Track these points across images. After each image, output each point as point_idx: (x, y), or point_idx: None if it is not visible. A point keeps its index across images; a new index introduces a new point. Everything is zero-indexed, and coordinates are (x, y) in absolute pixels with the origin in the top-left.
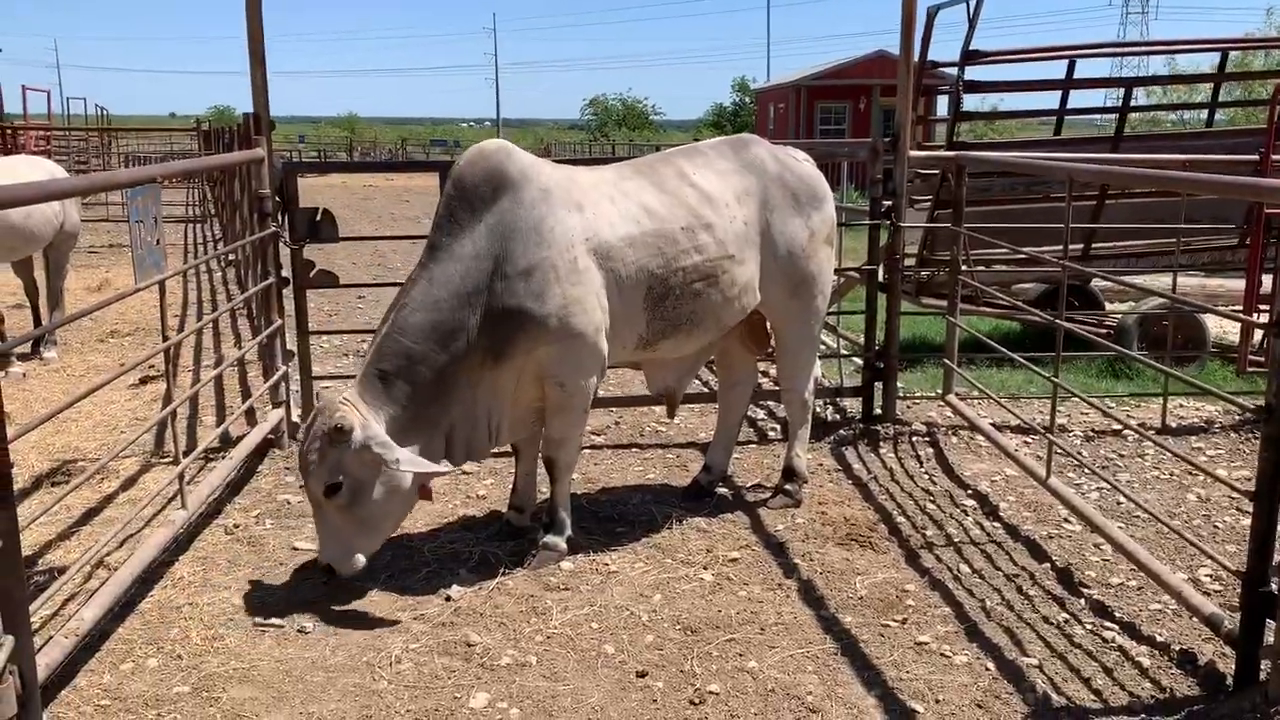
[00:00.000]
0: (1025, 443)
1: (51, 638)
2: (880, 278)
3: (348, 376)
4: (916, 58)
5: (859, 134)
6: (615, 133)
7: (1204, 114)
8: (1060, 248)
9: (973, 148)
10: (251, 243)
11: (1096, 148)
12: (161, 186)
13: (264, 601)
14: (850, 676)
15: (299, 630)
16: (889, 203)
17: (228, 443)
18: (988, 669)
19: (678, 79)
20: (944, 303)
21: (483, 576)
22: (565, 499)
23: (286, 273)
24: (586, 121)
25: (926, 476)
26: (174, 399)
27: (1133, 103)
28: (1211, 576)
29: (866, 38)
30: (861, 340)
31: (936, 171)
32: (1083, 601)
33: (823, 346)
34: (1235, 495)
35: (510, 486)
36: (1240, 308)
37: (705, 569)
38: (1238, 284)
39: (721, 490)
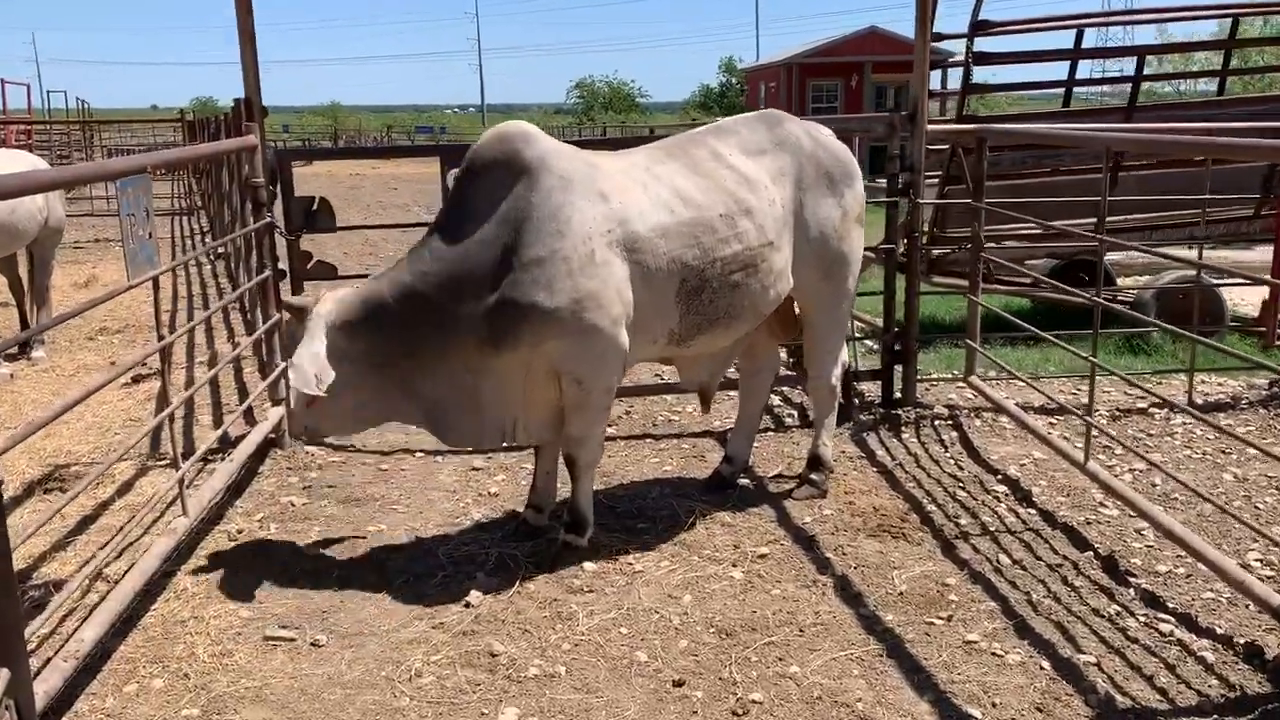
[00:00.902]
0: (1050, 424)
1: (49, 661)
2: (899, 256)
3: None
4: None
5: (852, 111)
6: (602, 115)
7: (1201, 84)
8: (1079, 222)
9: (980, 122)
10: (246, 234)
11: (1108, 119)
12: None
13: (274, 612)
14: (899, 680)
15: (312, 643)
16: (906, 178)
17: (227, 444)
18: (1043, 668)
19: (664, 61)
20: (956, 280)
21: (502, 580)
22: (588, 497)
23: (283, 265)
24: (573, 105)
25: (953, 462)
26: (170, 399)
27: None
28: (1262, 560)
29: (857, 15)
30: (875, 322)
31: (945, 146)
32: (1132, 592)
33: None
34: (1275, 474)
35: (526, 484)
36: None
37: (734, 566)
38: (1246, 255)
39: (743, 481)
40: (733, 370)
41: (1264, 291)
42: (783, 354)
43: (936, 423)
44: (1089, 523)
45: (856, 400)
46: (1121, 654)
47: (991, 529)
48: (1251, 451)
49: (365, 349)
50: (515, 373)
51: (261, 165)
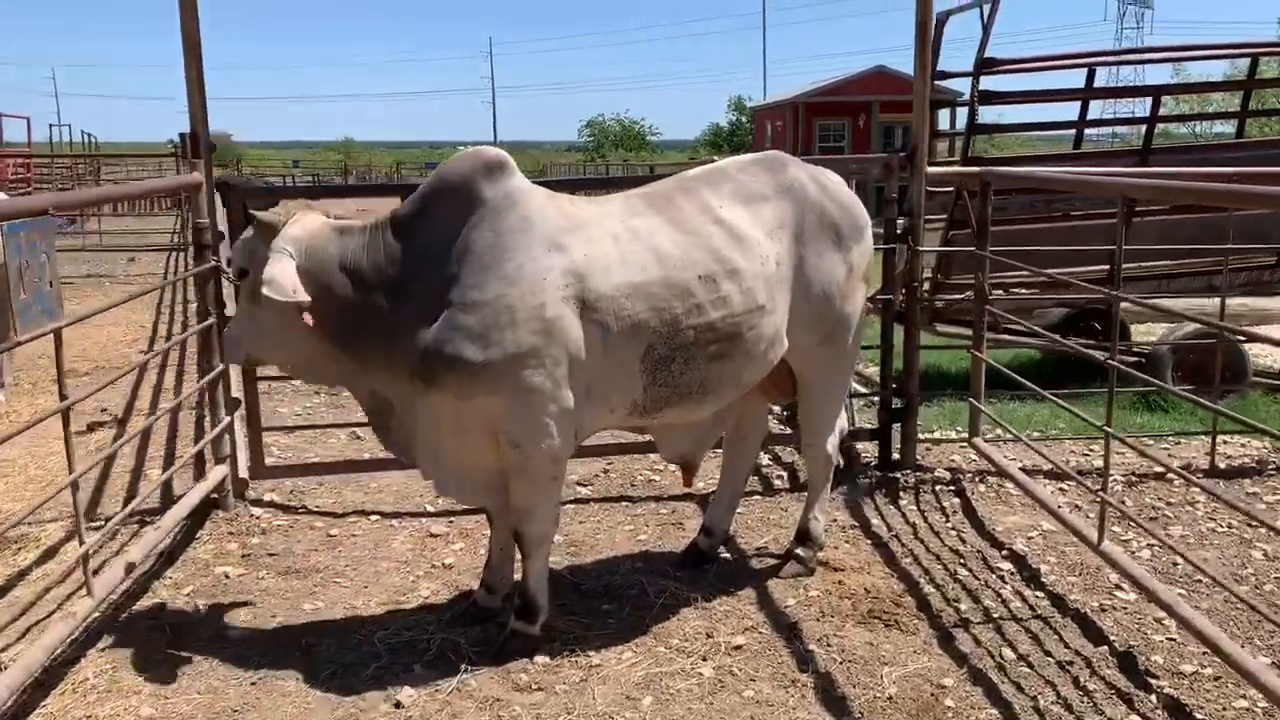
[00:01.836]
0: (1061, 489)
1: None
2: (897, 307)
3: (307, 427)
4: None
5: (858, 151)
6: (612, 153)
7: (1217, 126)
8: (1090, 270)
9: (986, 163)
10: (190, 277)
11: (1122, 161)
12: (77, 218)
13: (179, 711)
14: None
15: None
16: (904, 223)
17: (170, 503)
18: None
19: (674, 99)
20: (961, 330)
21: (441, 674)
22: (540, 577)
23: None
24: (584, 143)
25: (954, 534)
26: (99, 454)
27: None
28: None
29: (864, 55)
30: (872, 375)
31: (950, 189)
32: (1154, 698)
33: None
34: None
35: (485, 556)
36: None
37: (704, 659)
38: (1273, 304)
39: (724, 554)
40: None
41: None
42: (774, 408)
43: (938, 488)
44: (1103, 609)
45: (852, 462)
46: None
47: (995, 615)
48: None
49: (319, 308)
50: (445, 418)
51: (206, 204)
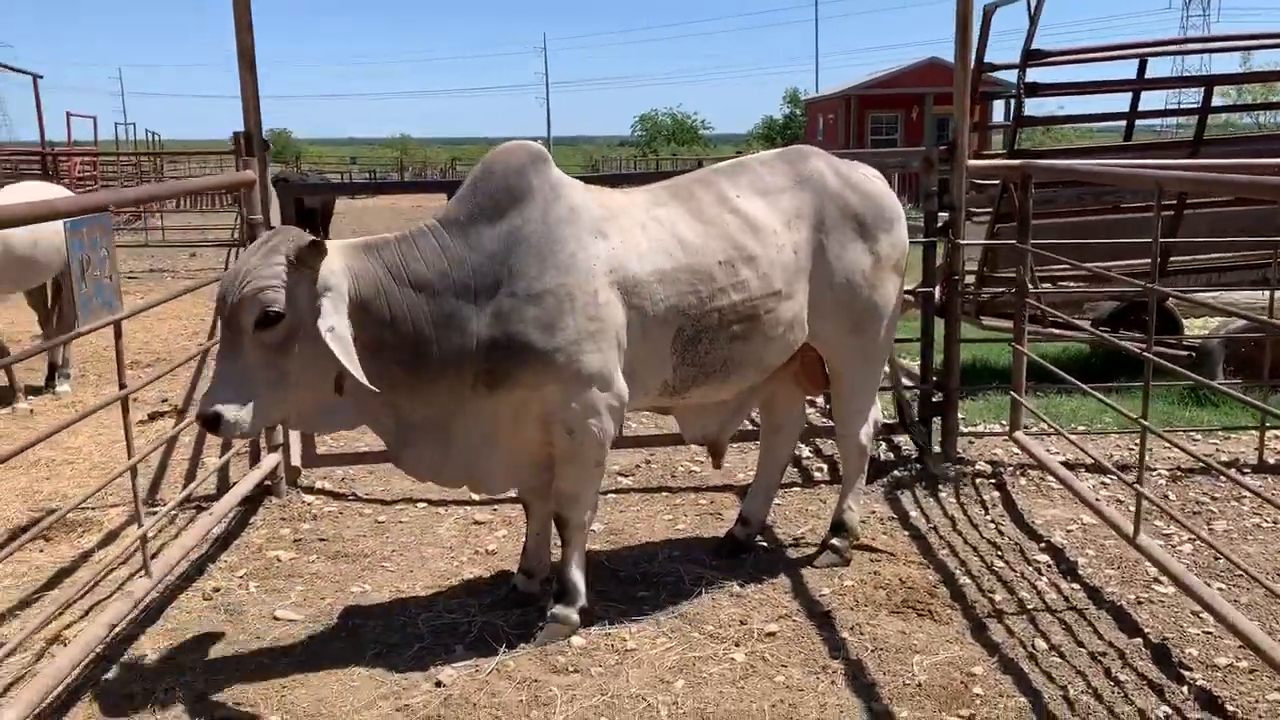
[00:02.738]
0: (1103, 483)
1: None
2: (937, 300)
3: None
4: (974, 59)
5: (911, 144)
6: (664, 148)
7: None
8: (1137, 262)
9: (1034, 156)
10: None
11: (1173, 154)
12: (140, 214)
13: (231, 687)
14: None
15: None
16: (945, 217)
17: (226, 489)
18: None
19: (727, 93)
20: (1007, 323)
21: (481, 654)
22: (578, 563)
23: None
24: (637, 137)
25: (993, 526)
26: (157, 441)
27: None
28: None
29: (916, 47)
30: (913, 368)
31: (996, 182)
32: (1186, 689)
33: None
34: None
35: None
36: None
37: (737, 646)
38: None
39: (760, 543)
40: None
41: None
42: (820, 400)
43: (978, 481)
44: (1140, 602)
45: (892, 454)
46: None
47: (1030, 606)
48: None
49: (368, 343)
50: (501, 416)
51: (260, 202)
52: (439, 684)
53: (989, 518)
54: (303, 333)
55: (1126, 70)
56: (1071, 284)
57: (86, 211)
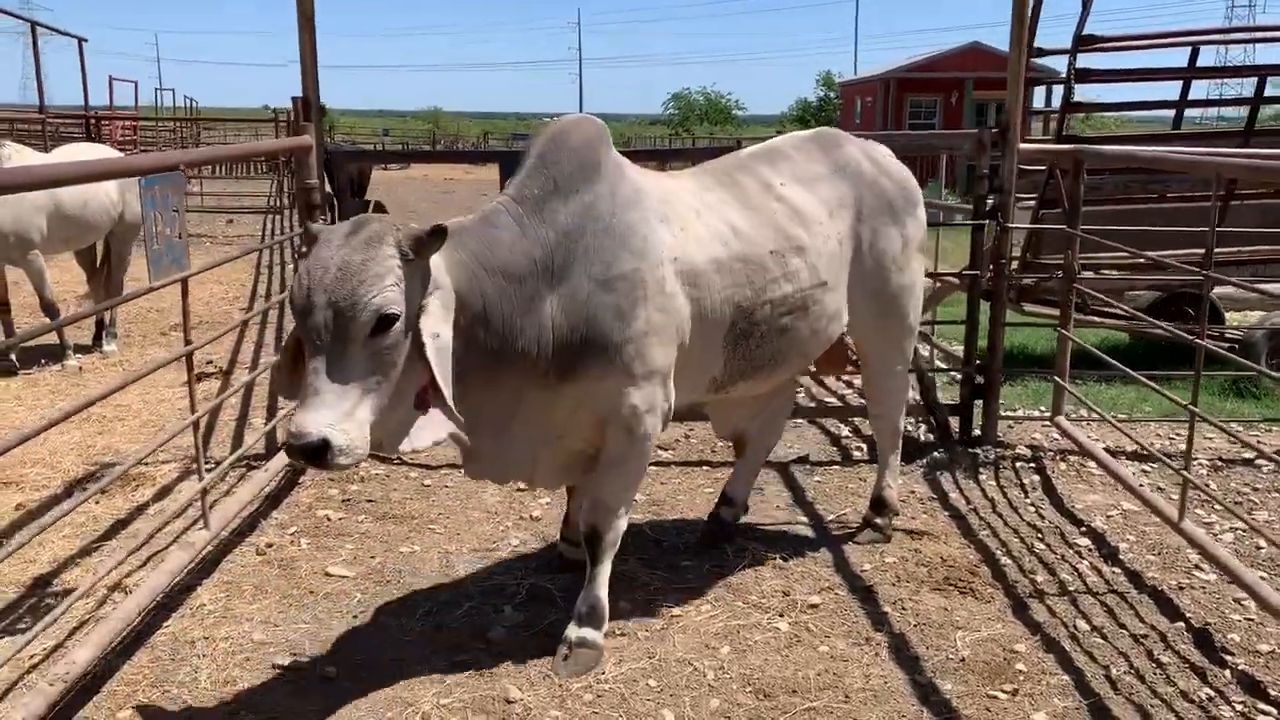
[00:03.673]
0: (1144, 470)
1: (29, 683)
2: (984, 283)
3: None
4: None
5: (950, 129)
6: (697, 127)
7: None
8: (1182, 253)
9: (1079, 142)
10: (293, 238)
11: (1222, 143)
12: (187, 176)
13: (287, 638)
14: None
15: (322, 676)
16: (995, 200)
17: (273, 450)
18: None
19: (762, 74)
20: (1047, 310)
21: (530, 615)
22: (605, 585)
23: None
24: (669, 116)
25: (1033, 509)
26: (213, 400)
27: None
28: None
29: (957, 32)
30: (955, 351)
31: (1041, 168)
32: (1228, 674)
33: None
34: None
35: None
36: None
37: (781, 616)
38: None
39: (802, 519)
40: None
41: None
42: (855, 381)
43: (1018, 464)
44: (1181, 588)
45: (931, 436)
46: None
47: (1071, 588)
48: None
49: (461, 343)
50: (560, 411)
51: (316, 167)
52: (489, 642)
53: (1029, 501)
54: (406, 337)
55: (1172, 59)
56: (1113, 272)
57: (161, 170)
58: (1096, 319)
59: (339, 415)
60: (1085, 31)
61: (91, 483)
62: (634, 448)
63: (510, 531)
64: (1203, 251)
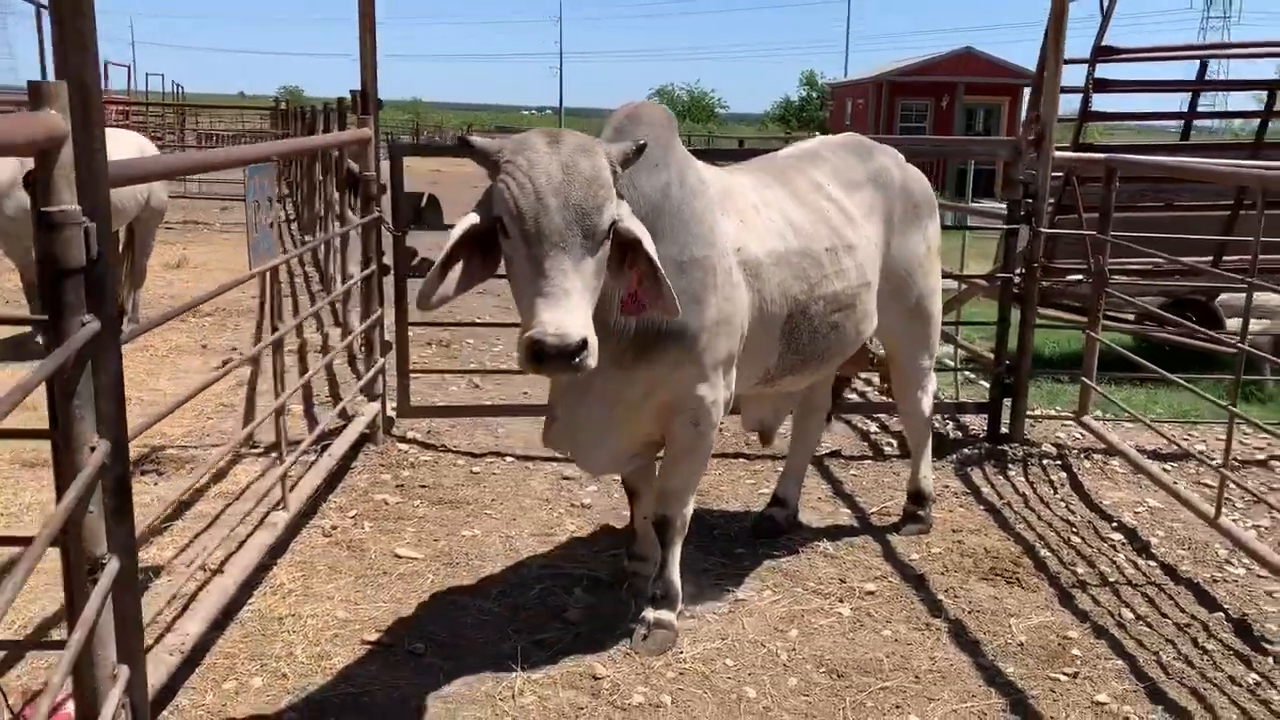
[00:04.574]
0: (1164, 469)
1: (150, 653)
2: (1015, 286)
3: (441, 371)
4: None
5: (940, 133)
6: (681, 124)
7: None
8: (1194, 259)
9: (1096, 150)
10: (354, 228)
11: (1232, 155)
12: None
13: (370, 616)
14: None
15: (410, 652)
16: (1028, 205)
17: (321, 436)
18: None
19: (745, 72)
20: (1060, 314)
21: (600, 598)
22: (677, 568)
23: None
24: None
25: (1063, 504)
26: (284, 389)
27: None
28: None
29: (942, 35)
30: (981, 352)
31: (1059, 174)
32: (1270, 661)
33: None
34: None
35: (619, 498)
36: None
37: (841, 602)
38: None
39: (844, 511)
40: None
41: None
42: (876, 379)
43: (1044, 462)
44: (1215, 580)
45: (960, 433)
46: None
47: (1110, 580)
48: None
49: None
50: (633, 394)
51: (374, 159)
52: (567, 622)
53: (1058, 496)
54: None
55: (1172, 72)
56: (1126, 278)
57: (260, 160)
58: (1113, 323)
59: (586, 320)
60: (1105, 42)
61: (149, 464)
62: (702, 439)
63: (564, 518)
64: (1210, 258)
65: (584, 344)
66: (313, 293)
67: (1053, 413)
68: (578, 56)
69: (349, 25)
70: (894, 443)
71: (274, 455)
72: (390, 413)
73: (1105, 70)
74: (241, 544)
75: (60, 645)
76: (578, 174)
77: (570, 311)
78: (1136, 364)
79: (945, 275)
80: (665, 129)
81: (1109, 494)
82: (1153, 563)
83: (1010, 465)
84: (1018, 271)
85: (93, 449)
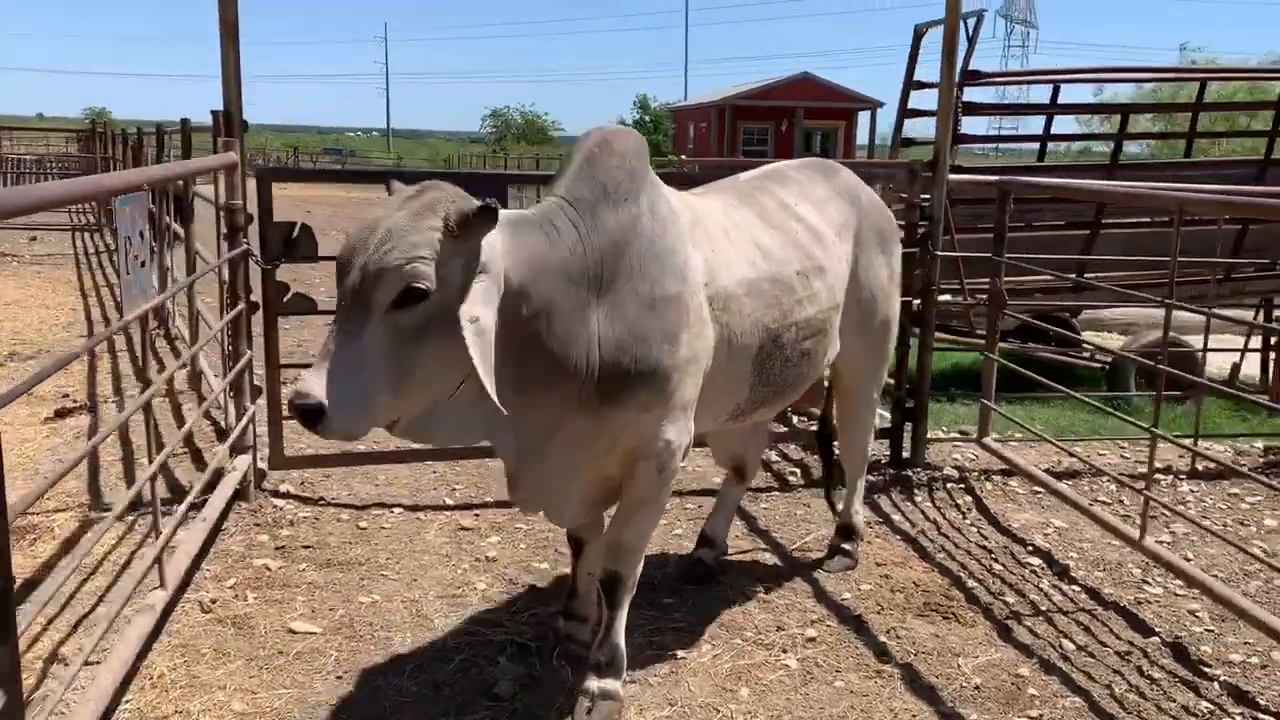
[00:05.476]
0: (1067, 487)
1: None
2: (914, 310)
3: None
4: (903, 79)
5: (782, 156)
6: (514, 146)
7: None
8: (1046, 276)
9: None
10: (222, 263)
11: (1090, 175)
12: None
13: (271, 707)
14: None
15: None
16: (924, 229)
17: (176, 493)
18: None
19: (579, 95)
20: (949, 336)
21: (529, 666)
22: (623, 631)
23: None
24: (486, 135)
25: (975, 530)
26: (151, 442)
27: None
28: None
29: (777, 61)
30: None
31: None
32: (1216, 685)
33: None
34: None
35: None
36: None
37: (785, 652)
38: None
39: (763, 548)
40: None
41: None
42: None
43: (949, 485)
44: (1139, 603)
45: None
46: None
47: (1042, 609)
48: (1269, 523)
49: (515, 340)
50: (603, 440)
51: (241, 186)
52: (498, 697)
53: (968, 521)
54: (444, 319)
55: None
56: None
57: (129, 191)
58: (980, 341)
59: (342, 387)
60: (971, 67)
61: None
62: (664, 487)
63: (470, 574)
64: (1072, 276)
65: (319, 410)
66: (149, 332)
67: (955, 436)
68: (404, 77)
69: (156, 44)
70: (798, 472)
71: (129, 519)
72: (261, 464)
73: (972, 94)
74: (108, 631)
75: None
76: (387, 235)
77: (319, 373)
78: (1032, 382)
79: None
80: (638, 159)
81: (1015, 516)
82: (1076, 587)
83: (917, 490)
84: (917, 296)
85: None
